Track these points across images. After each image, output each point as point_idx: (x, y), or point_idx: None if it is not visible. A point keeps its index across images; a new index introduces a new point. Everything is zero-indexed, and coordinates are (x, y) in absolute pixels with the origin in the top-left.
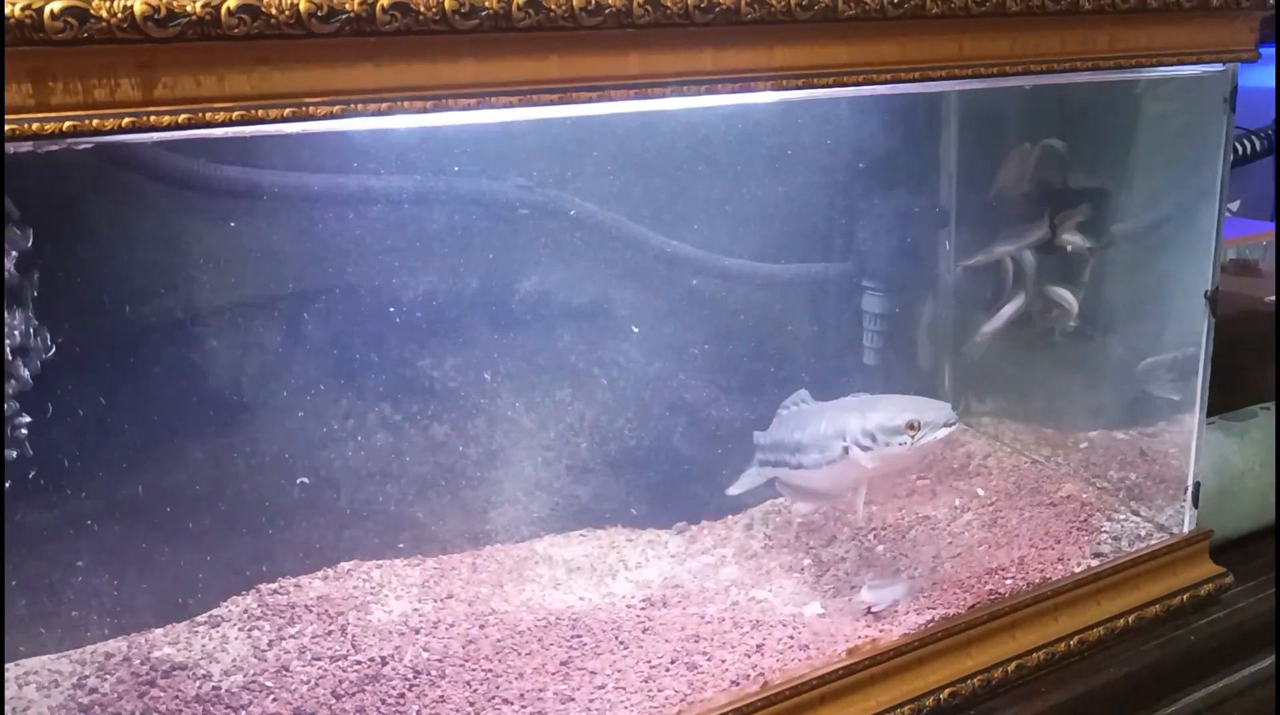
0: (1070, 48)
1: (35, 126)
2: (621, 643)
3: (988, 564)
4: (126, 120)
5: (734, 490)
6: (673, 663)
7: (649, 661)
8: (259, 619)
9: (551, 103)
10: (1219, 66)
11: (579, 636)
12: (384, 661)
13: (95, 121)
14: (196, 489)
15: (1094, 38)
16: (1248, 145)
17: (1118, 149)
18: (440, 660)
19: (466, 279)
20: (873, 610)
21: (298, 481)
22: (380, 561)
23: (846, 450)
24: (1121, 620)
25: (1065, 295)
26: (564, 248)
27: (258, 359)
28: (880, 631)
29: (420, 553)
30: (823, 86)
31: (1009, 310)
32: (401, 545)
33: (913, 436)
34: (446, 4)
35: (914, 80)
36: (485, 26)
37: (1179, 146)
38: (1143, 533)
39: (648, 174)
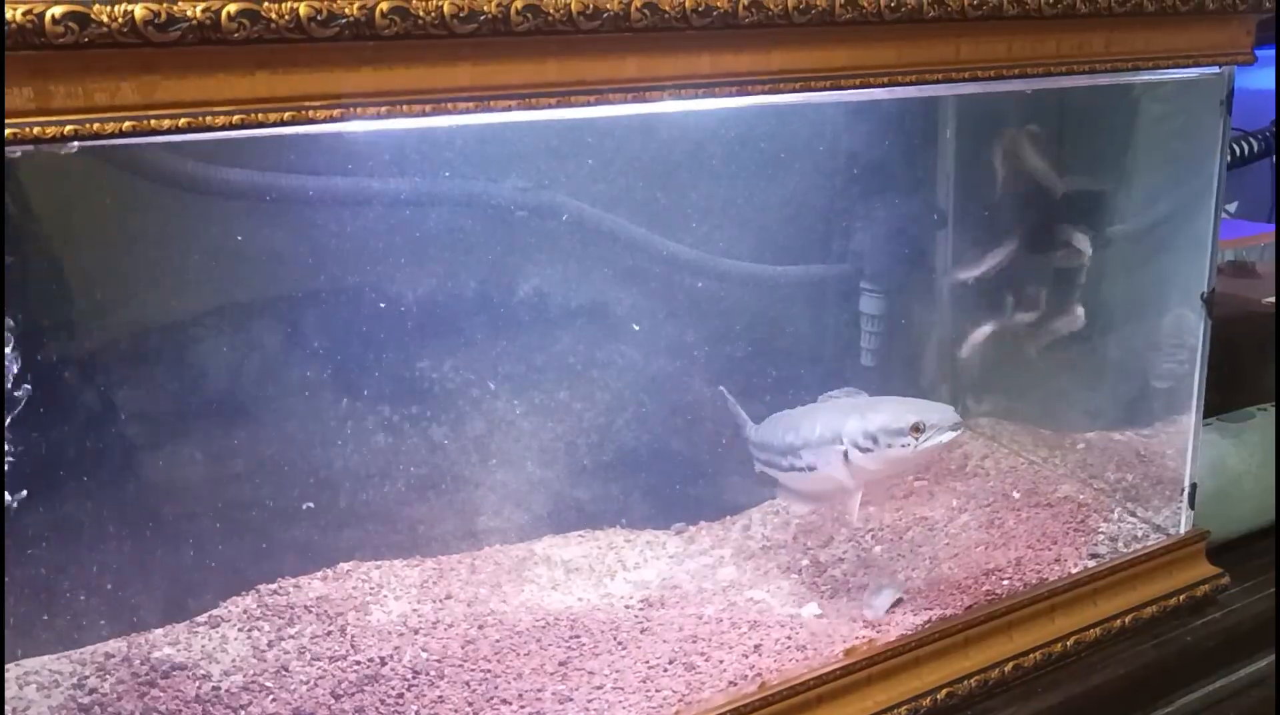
0: (1066, 51)
1: (36, 130)
2: (620, 643)
3: (985, 565)
4: (127, 124)
5: None
6: (670, 663)
7: (647, 662)
8: (258, 619)
9: (550, 106)
10: (1215, 69)
11: (577, 637)
12: (383, 662)
13: (96, 125)
14: (196, 489)
15: (1090, 41)
16: (1246, 147)
17: (1115, 151)
18: (439, 660)
19: (465, 281)
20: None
21: (303, 506)
22: (379, 562)
23: (845, 452)
24: (1118, 621)
25: (1075, 312)
26: (562, 249)
27: (258, 360)
28: (877, 632)
29: (419, 553)
30: (820, 90)
31: (982, 333)
32: (400, 546)
33: (916, 439)
34: (445, 8)
35: (911, 83)
36: (484, 31)
37: (1176, 148)
38: (1139, 534)
39: (645, 177)
